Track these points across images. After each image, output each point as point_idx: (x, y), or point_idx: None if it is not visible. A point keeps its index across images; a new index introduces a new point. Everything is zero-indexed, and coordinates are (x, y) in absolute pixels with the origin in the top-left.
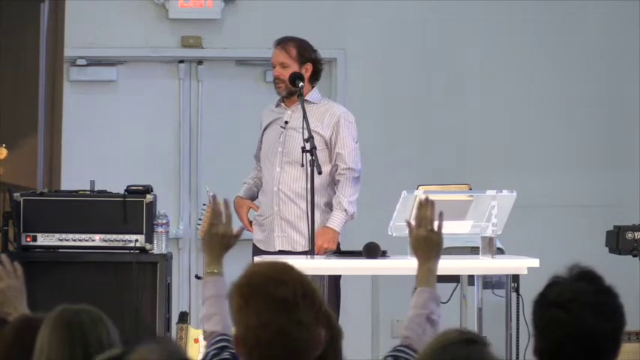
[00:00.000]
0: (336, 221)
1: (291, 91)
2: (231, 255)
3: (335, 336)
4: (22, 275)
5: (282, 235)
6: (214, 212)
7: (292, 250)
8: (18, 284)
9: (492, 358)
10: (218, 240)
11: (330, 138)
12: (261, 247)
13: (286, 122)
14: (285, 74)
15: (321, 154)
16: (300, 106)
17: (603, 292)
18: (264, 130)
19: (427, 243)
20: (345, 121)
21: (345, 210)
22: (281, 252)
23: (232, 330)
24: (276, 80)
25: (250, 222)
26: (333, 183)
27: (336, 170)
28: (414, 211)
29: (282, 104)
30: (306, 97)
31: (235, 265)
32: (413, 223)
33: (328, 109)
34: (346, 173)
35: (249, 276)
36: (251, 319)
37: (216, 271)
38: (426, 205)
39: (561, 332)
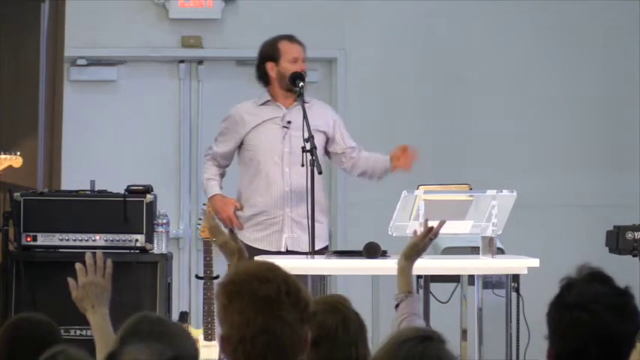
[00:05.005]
0: None
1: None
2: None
3: None
4: (110, 274)
5: (292, 236)
6: (210, 226)
7: (300, 251)
8: (103, 282)
9: (448, 355)
10: (223, 251)
11: (334, 134)
12: (259, 246)
13: (289, 122)
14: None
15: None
16: (300, 106)
17: (622, 294)
18: (253, 128)
19: (422, 250)
20: (338, 118)
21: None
22: (289, 252)
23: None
24: (303, 75)
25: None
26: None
27: (352, 153)
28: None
29: (278, 103)
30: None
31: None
32: (420, 230)
33: (321, 107)
34: (361, 147)
35: (234, 275)
36: (235, 317)
37: None
38: (437, 230)
39: (583, 334)
